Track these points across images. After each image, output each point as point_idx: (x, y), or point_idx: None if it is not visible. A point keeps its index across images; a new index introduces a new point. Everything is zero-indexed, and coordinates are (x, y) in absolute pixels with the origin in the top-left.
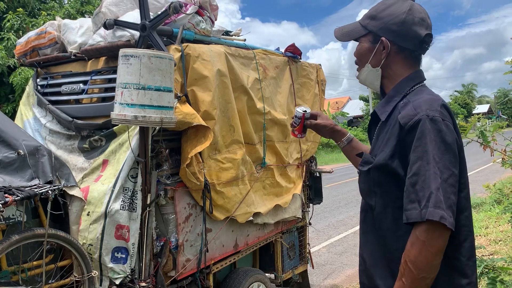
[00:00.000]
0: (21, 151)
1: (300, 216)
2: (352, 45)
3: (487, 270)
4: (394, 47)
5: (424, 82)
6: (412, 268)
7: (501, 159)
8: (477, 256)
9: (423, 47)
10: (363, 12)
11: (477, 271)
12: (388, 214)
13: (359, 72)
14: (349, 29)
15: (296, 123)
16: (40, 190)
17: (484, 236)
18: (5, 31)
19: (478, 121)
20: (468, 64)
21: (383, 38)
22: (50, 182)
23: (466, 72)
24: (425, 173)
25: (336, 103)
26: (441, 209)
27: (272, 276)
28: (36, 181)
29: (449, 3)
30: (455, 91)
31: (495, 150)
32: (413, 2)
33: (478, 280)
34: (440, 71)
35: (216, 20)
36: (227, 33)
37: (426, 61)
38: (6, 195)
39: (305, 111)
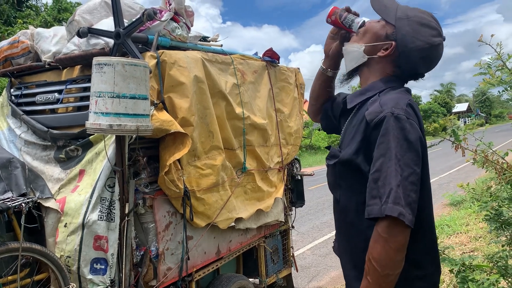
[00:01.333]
0: None
1: (283, 220)
2: None
3: (464, 268)
4: (394, 57)
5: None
6: (376, 265)
7: (473, 158)
8: (456, 255)
9: (414, 78)
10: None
11: (454, 270)
12: (351, 208)
13: (349, 42)
14: (386, 4)
15: (347, 24)
16: (13, 203)
17: (465, 233)
18: None
19: (451, 121)
20: (448, 63)
21: (394, 43)
22: (24, 195)
23: (445, 72)
24: (387, 170)
25: None
26: (400, 206)
27: (256, 281)
28: (9, 194)
29: (427, 5)
30: (435, 90)
31: (466, 149)
32: (442, 42)
33: (456, 279)
34: None
35: (192, 26)
36: (204, 38)
37: None
38: None
39: (364, 22)
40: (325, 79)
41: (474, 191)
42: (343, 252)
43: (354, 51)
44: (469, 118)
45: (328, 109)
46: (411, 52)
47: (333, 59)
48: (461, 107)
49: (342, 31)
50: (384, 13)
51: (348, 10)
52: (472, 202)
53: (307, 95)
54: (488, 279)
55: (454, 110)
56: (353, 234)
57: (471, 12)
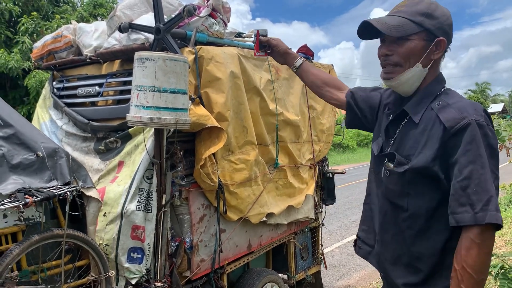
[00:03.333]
0: (40, 153)
1: (313, 217)
2: (366, 45)
3: (503, 270)
4: (444, 49)
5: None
6: (472, 272)
7: None
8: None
9: None
10: (375, 11)
11: (493, 271)
12: (421, 215)
13: (401, 73)
14: (396, 23)
15: (253, 42)
16: (58, 191)
17: (499, 236)
18: (20, 34)
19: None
20: (484, 62)
21: (441, 38)
22: (68, 184)
23: (481, 71)
24: (480, 177)
25: None
26: (499, 212)
27: (285, 276)
28: (54, 183)
29: (463, 1)
30: (469, 90)
31: (510, 149)
32: None
33: (494, 281)
34: (454, 69)
35: (228, 22)
36: (239, 35)
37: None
38: (26, 196)
39: (258, 30)
40: (300, 72)
41: None
42: (395, 262)
43: (415, 74)
44: (504, 120)
45: (352, 104)
46: (450, 31)
47: (286, 58)
48: (496, 107)
49: (260, 40)
50: (407, 29)
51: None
52: (507, 205)
53: None
54: None
55: (488, 111)
56: (420, 240)
57: (509, 9)
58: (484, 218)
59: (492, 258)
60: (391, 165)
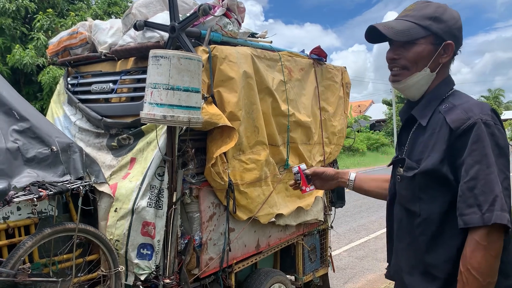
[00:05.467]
0: (54, 148)
1: (322, 219)
2: (379, 47)
3: None
4: (453, 52)
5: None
6: (477, 275)
7: None
8: None
9: None
10: (390, 14)
11: None
12: (434, 219)
13: (408, 76)
14: (403, 28)
15: (299, 179)
16: (71, 186)
17: None
18: (35, 31)
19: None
20: (498, 68)
21: (450, 42)
22: (81, 178)
23: (495, 77)
24: (486, 177)
25: (359, 106)
26: (507, 212)
27: (293, 278)
28: (67, 177)
29: (482, 7)
30: (481, 96)
31: None
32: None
33: None
34: (468, 75)
35: (243, 22)
36: (253, 35)
37: (455, 65)
38: (40, 189)
39: (299, 166)
40: (357, 185)
41: None
42: (411, 271)
43: (422, 78)
44: None
45: None
46: (459, 34)
47: (338, 176)
48: (509, 114)
49: (305, 175)
50: (414, 34)
51: (296, 182)
52: None
53: (352, 95)
54: None
55: (501, 117)
56: (433, 247)
57: None
58: (491, 219)
59: None
60: (402, 170)
